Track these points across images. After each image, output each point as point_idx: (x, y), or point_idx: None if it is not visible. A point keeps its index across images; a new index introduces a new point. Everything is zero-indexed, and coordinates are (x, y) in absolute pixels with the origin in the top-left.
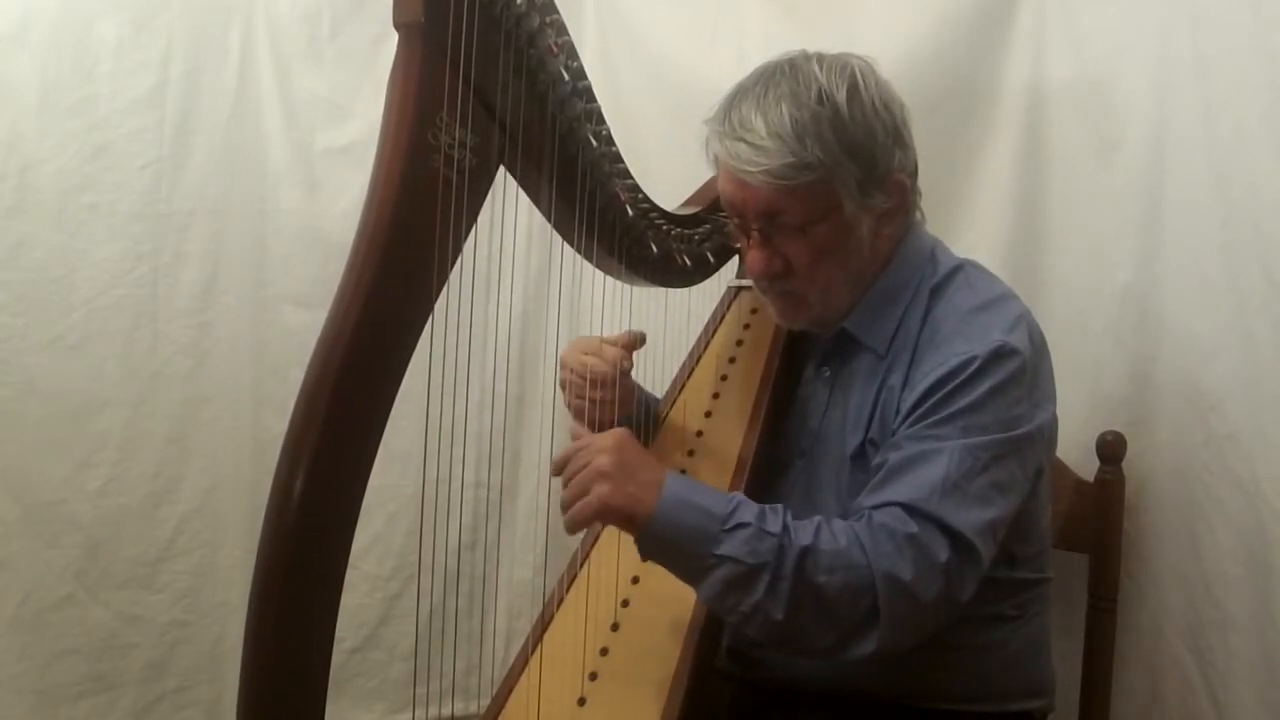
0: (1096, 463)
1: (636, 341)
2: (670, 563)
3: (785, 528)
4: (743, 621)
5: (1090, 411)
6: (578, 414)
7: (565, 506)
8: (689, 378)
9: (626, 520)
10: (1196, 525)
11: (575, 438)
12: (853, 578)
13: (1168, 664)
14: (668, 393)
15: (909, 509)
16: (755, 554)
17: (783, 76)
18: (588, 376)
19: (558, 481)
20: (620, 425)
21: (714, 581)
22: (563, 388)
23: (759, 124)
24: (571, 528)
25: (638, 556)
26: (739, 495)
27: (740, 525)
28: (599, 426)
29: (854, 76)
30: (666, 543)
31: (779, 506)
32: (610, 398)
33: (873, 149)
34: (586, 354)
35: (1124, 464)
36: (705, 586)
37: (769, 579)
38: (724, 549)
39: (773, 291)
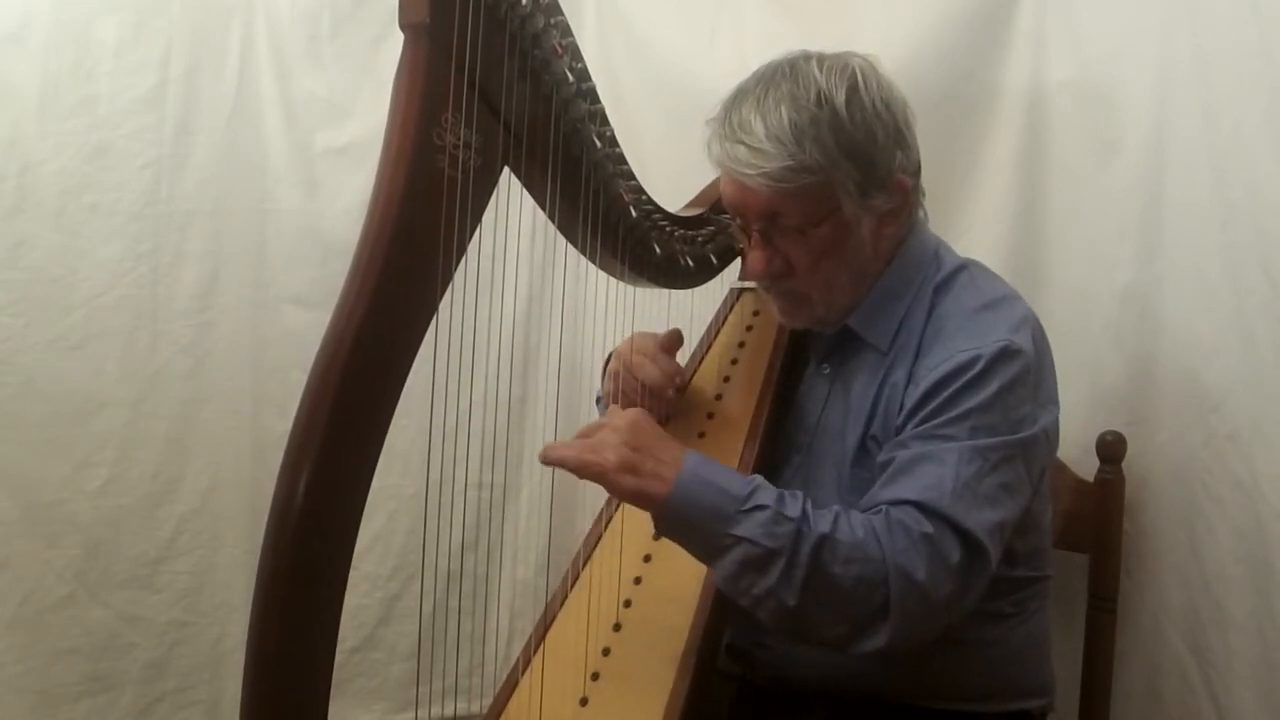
0: (1096, 463)
1: (678, 343)
2: (687, 541)
3: (804, 514)
4: (755, 606)
5: (1090, 411)
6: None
7: (570, 458)
8: (691, 379)
9: (644, 499)
10: (1196, 525)
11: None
12: (868, 570)
13: (1168, 664)
14: None
15: (922, 507)
16: (772, 537)
17: (783, 78)
18: (641, 380)
19: (559, 482)
20: None
21: (729, 562)
22: (611, 378)
23: (758, 126)
24: (548, 460)
25: (640, 556)
26: (758, 477)
27: (758, 507)
28: None
29: (854, 77)
30: (683, 521)
31: (798, 492)
32: (655, 410)
33: (872, 151)
34: (643, 356)
35: (1124, 464)
36: (721, 567)
37: (784, 564)
38: (740, 530)
39: (775, 291)
